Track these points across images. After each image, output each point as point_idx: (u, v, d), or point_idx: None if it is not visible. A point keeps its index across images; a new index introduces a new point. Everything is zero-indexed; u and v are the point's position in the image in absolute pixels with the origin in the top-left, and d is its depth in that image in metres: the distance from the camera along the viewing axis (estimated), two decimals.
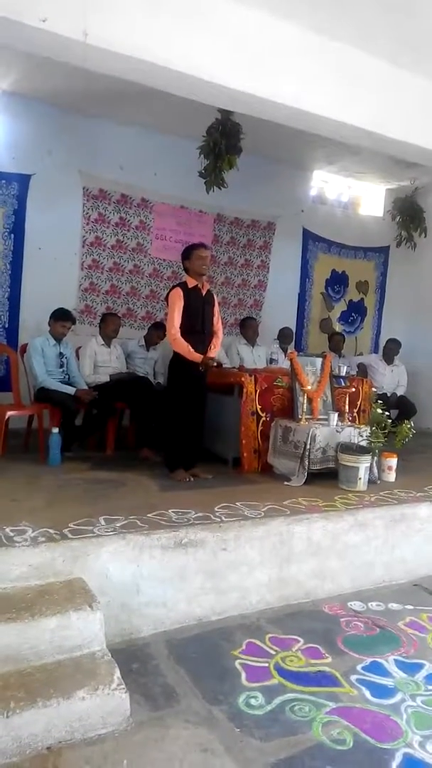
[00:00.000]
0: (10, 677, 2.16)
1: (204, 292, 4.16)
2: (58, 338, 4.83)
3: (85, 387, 4.82)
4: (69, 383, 4.76)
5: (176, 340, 4.00)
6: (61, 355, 4.83)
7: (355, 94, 4.04)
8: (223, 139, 5.24)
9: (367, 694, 2.45)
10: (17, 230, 5.66)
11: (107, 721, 2.12)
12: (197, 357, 3.97)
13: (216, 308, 4.25)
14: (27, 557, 2.61)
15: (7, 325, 5.70)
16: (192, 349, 3.97)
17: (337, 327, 7.71)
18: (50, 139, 5.66)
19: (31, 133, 5.56)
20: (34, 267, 5.70)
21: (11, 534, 2.77)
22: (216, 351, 4.25)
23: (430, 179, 6.88)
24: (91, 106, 5.55)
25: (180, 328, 4.00)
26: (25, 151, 5.58)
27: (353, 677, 2.56)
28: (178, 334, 3.99)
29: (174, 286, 4.17)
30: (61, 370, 4.81)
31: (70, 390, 4.64)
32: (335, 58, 3.91)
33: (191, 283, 4.10)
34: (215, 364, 4.14)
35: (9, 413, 4.38)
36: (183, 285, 4.11)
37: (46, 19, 3.03)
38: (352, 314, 7.93)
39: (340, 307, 7.82)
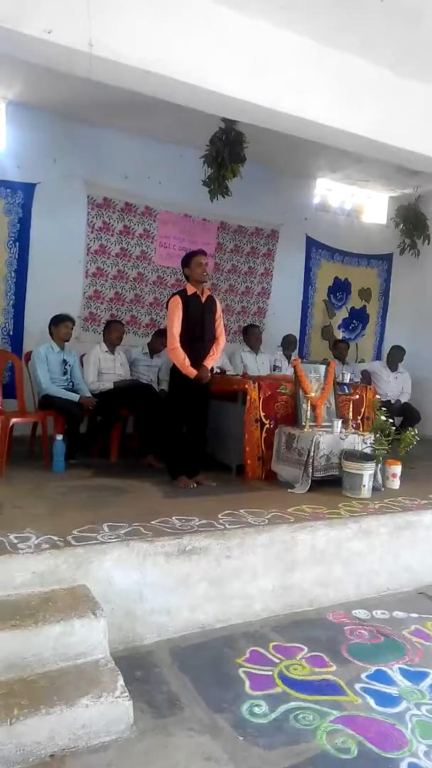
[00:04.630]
0: (13, 684, 2.16)
1: (204, 299, 4.17)
2: (62, 343, 4.86)
3: (89, 395, 4.83)
4: (73, 390, 4.77)
5: (173, 350, 4.03)
6: (64, 362, 4.85)
7: (357, 102, 4.06)
8: (227, 149, 5.28)
9: (372, 702, 2.43)
10: (22, 238, 5.70)
11: (111, 729, 2.11)
12: (191, 372, 3.99)
13: (218, 315, 4.25)
14: (31, 564, 2.61)
15: (11, 333, 5.73)
16: (188, 362, 3.99)
17: (338, 334, 7.72)
18: (55, 148, 5.71)
19: (36, 142, 5.61)
20: (38, 275, 5.73)
21: (15, 541, 2.77)
22: (215, 358, 4.25)
23: None
24: (95, 116, 5.60)
25: (180, 335, 4.01)
26: (30, 161, 5.63)
27: (358, 686, 2.55)
28: (177, 344, 4.00)
29: (173, 294, 4.19)
30: (65, 377, 4.83)
31: (74, 397, 4.66)
32: (337, 67, 3.94)
33: (191, 290, 4.12)
34: (208, 377, 4.13)
35: (13, 420, 4.40)
36: (182, 293, 4.12)
37: (52, 31, 3.06)
38: (354, 321, 7.93)
39: (342, 314, 7.83)
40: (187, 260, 4.15)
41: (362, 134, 4.15)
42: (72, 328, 4.95)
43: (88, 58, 3.21)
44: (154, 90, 3.68)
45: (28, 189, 5.67)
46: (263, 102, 3.76)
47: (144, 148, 6.05)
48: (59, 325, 4.84)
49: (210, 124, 5.07)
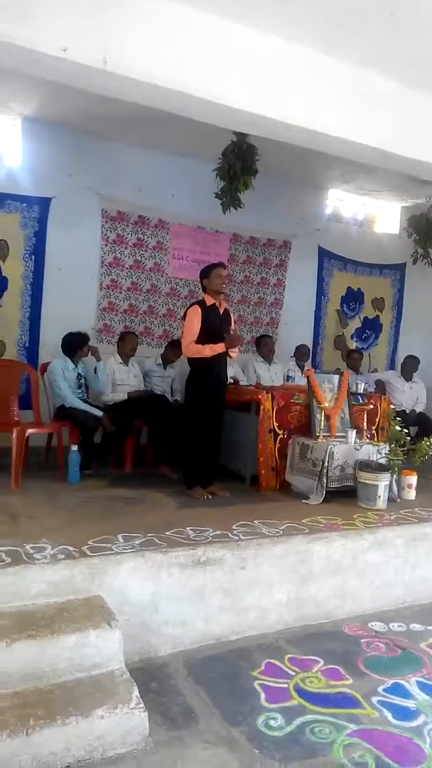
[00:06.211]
0: (29, 695, 2.17)
1: (221, 311, 4.21)
2: (80, 359, 4.91)
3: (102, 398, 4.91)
4: (86, 401, 4.81)
5: (190, 346, 4.05)
6: (79, 376, 4.90)
7: (367, 114, 4.07)
8: (239, 161, 5.31)
9: (389, 716, 2.41)
10: (38, 252, 5.77)
11: (126, 741, 2.11)
12: (219, 347, 4.02)
13: (232, 326, 4.28)
14: (46, 574, 2.63)
15: (27, 345, 5.79)
16: (208, 347, 4.01)
17: (351, 344, 7.70)
18: (70, 162, 5.79)
19: (52, 157, 5.69)
20: (54, 287, 5.79)
21: (31, 551, 2.79)
22: (235, 354, 4.28)
23: None
24: (109, 131, 5.68)
25: (198, 344, 4.04)
26: (45, 175, 5.71)
27: (374, 699, 2.53)
28: (192, 342, 4.04)
29: (192, 304, 4.24)
30: (80, 390, 4.87)
31: (98, 413, 4.67)
32: (346, 79, 3.95)
33: (209, 301, 4.16)
34: (239, 336, 4.17)
35: (29, 431, 4.43)
36: (201, 303, 4.17)
37: (67, 49, 3.11)
38: (366, 331, 7.91)
39: (355, 323, 7.82)
40: (207, 272, 4.21)
41: (374, 145, 4.15)
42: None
43: (102, 75, 3.26)
44: (166, 105, 3.72)
45: (44, 203, 5.75)
46: (274, 115, 3.78)
47: (157, 161, 6.11)
48: (84, 348, 4.89)
49: (222, 137, 5.11)
